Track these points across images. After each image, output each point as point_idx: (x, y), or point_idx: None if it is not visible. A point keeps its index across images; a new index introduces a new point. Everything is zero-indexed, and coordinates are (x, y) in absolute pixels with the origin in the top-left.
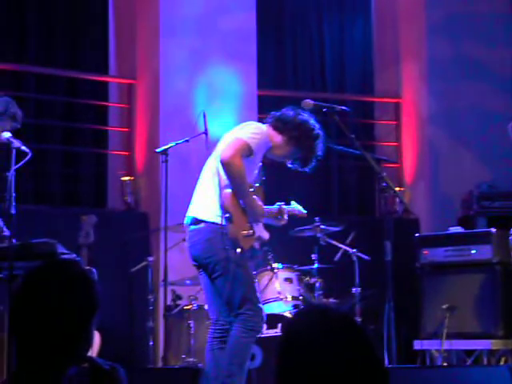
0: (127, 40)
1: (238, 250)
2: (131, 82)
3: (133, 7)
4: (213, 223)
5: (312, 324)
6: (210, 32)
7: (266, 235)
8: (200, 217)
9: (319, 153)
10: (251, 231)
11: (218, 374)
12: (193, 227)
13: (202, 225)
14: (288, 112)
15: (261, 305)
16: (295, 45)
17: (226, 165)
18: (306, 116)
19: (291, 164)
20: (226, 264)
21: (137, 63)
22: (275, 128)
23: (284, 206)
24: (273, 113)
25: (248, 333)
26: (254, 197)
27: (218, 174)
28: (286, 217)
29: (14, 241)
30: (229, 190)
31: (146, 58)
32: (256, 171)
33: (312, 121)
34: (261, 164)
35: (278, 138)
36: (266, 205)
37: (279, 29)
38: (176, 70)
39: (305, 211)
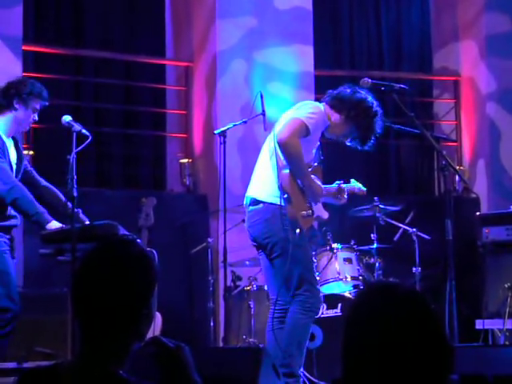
0: (184, 22)
1: (297, 231)
2: (188, 64)
3: None
4: (271, 204)
5: (380, 299)
6: (266, 12)
7: (325, 215)
8: (259, 197)
9: (378, 130)
10: (310, 211)
11: (278, 354)
12: (252, 208)
13: (261, 205)
14: (345, 90)
15: (318, 286)
16: (352, 23)
17: (283, 145)
18: (363, 94)
19: (350, 142)
20: (284, 244)
21: (193, 45)
22: (332, 107)
23: (343, 185)
24: (330, 91)
25: (306, 313)
26: (313, 176)
27: (276, 155)
28: (345, 195)
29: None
30: (287, 171)
31: (203, 40)
32: (314, 150)
33: (370, 98)
34: (319, 143)
35: (335, 117)
36: (324, 184)
37: (335, 8)
38: (232, 52)
39: (364, 188)
